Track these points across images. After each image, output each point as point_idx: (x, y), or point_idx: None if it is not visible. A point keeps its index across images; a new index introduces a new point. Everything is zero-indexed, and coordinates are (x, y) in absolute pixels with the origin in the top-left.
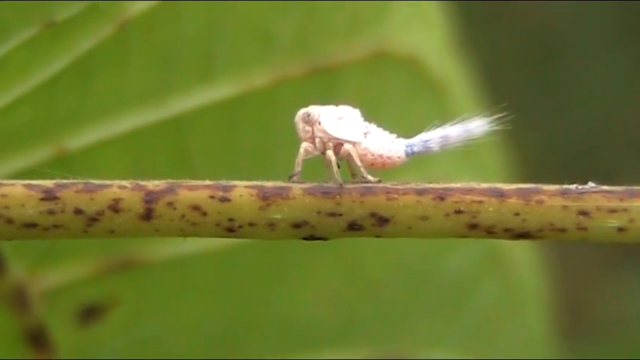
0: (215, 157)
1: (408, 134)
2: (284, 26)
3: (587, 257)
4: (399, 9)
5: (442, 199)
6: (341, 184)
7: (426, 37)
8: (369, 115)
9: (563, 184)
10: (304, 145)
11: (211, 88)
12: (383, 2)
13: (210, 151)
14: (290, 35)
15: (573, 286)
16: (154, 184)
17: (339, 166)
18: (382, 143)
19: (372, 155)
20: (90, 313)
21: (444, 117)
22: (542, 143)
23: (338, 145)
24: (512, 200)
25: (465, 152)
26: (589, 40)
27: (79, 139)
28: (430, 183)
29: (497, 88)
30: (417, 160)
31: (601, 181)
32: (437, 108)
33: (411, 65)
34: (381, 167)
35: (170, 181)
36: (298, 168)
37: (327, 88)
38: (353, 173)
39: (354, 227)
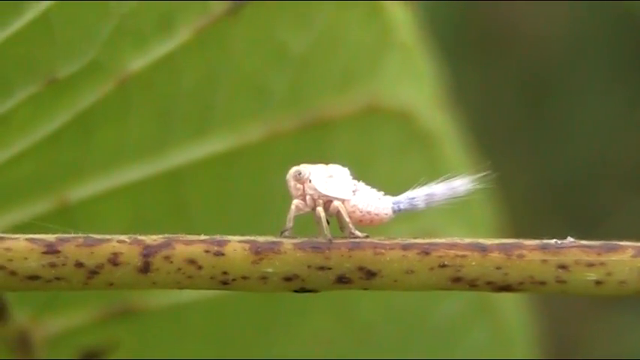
0: (211, 208)
1: (399, 187)
2: (278, 81)
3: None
4: (390, 64)
5: (427, 253)
6: (330, 240)
7: (418, 91)
8: (361, 169)
9: (544, 237)
10: (295, 202)
11: (207, 142)
12: (375, 57)
13: (207, 203)
14: (284, 90)
15: (565, 324)
16: (151, 239)
17: (328, 222)
18: (370, 201)
19: (361, 212)
20: (91, 358)
21: (435, 170)
22: (536, 180)
23: (328, 202)
24: (494, 255)
25: (454, 204)
26: (583, 76)
27: (81, 192)
28: (416, 238)
29: (489, 127)
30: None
31: (597, 217)
32: (428, 161)
33: (403, 119)
34: (369, 224)
35: (167, 235)
36: (290, 224)
37: (320, 142)
38: (342, 228)
39: (342, 280)
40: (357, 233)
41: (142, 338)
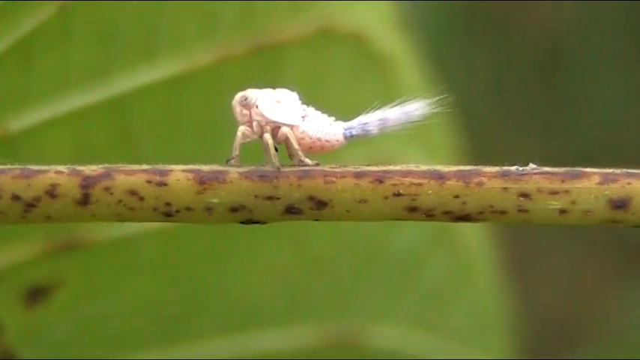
0: (160, 136)
1: (353, 111)
2: (227, 4)
3: (590, 269)
4: None
5: (381, 182)
6: (278, 168)
7: (371, 13)
8: (315, 92)
9: (505, 164)
10: (241, 128)
11: (154, 67)
12: None
13: (155, 131)
14: (233, 13)
15: (577, 297)
16: (90, 169)
17: (277, 150)
18: (320, 127)
19: (311, 139)
20: (36, 295)
21: (391, 93)
22: (548, 155)
23: (276, 129)
24: (452, 182)
25: (413, 129)
26: (597, 51)
27: (23, 121)
28: (369, 165)
29: (501, 102)
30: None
31: None
32: (383, 84)
33: (356, 41)
34: (320, 151)
35: (107, 165)
36: (236, 152)
37: (272, 65)
38: (291, 155)
39: (291, 211)
40: (307, 161)
41: (88, 273)
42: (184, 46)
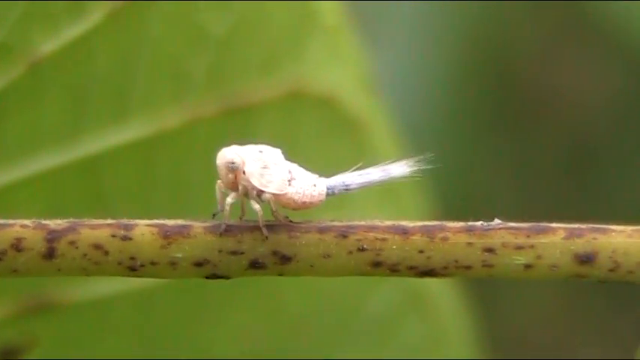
0: (130, 197)
1: (324, 174)
2: (197, 65)
3: None
4: (314, 48)
5: (345, 236)
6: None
7: (343, 75)
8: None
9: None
10: (229, 201)
11: (125, 129)
12: (298, 40)
13: (125, 192)
14: (203, 74)
15: None
16: (55, 223)
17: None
18: (306, 189)
19: (295, 203)
20: (9, 355)
21: (361, 156)
22: None
23: (261, 191)
24: (416, 237)
25: (384, 191)
26: (630, 145)
27: None
28: (332, 220)
29: (531, 197)
30: (335, 200)
31: None
32: (354, 147)
33: (327, 104)
34: (302, 210)
35: (72, 220)
36: (226, 220)
37: (242, 127)
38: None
39: (256, 265)
40: (281, 219)
41: (61, 334)
42: (154, 107)
